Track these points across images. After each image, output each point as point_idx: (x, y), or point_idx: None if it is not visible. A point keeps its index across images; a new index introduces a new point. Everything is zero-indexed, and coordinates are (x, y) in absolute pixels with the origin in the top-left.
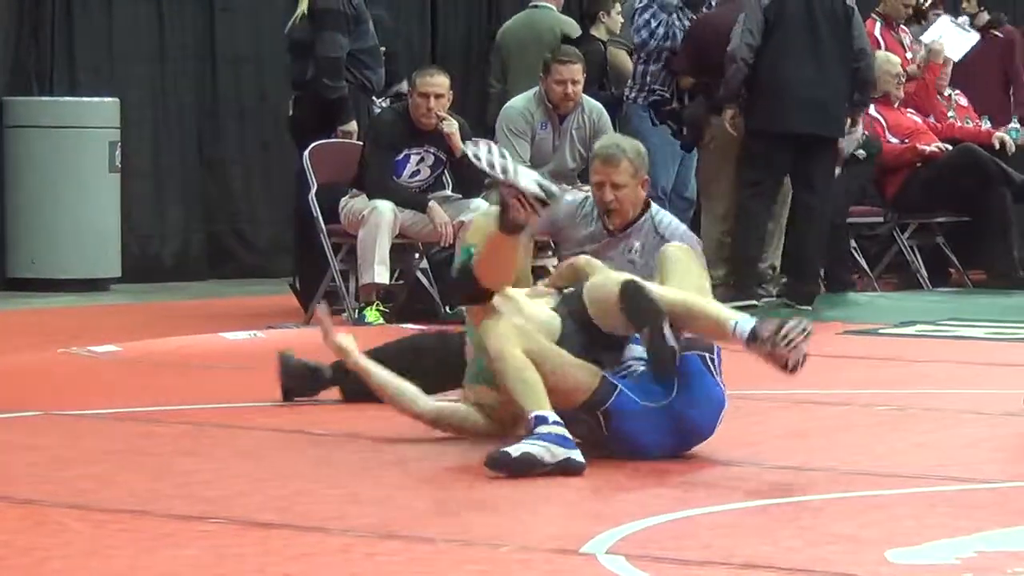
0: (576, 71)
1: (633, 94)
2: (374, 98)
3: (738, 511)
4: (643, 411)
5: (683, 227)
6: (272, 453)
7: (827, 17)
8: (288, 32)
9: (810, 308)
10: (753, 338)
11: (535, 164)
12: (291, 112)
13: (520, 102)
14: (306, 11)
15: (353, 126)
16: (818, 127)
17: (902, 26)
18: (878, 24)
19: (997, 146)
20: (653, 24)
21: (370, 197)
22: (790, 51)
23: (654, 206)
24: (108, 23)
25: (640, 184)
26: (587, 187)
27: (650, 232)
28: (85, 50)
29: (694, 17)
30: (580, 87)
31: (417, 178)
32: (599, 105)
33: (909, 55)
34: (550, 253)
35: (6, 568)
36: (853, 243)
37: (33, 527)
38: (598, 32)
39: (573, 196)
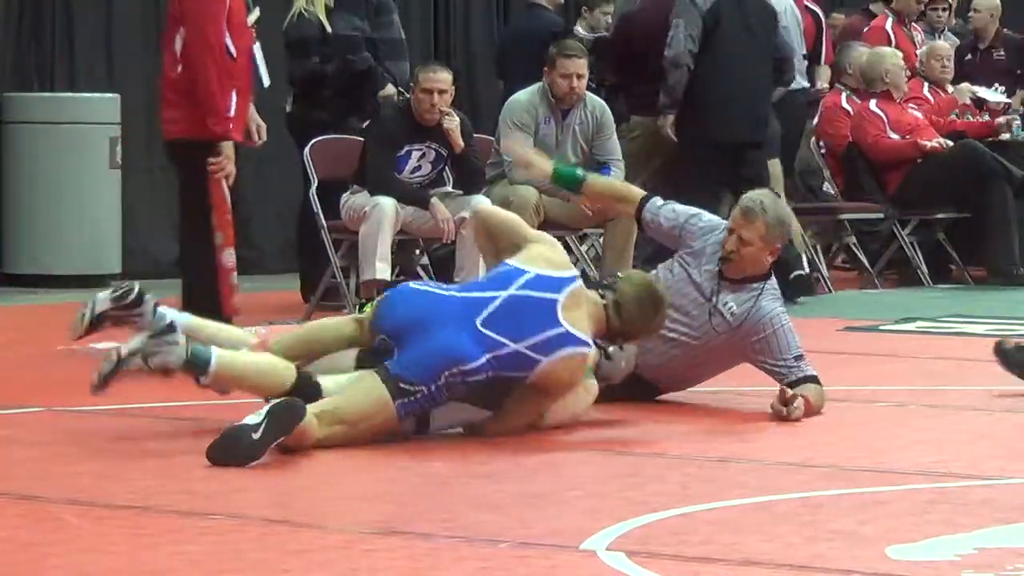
0: (581, 65)
1: None
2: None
3: (738, 507)
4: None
5: (777, 312)
6: (272, 450)
7: (758, 21)
8: (284, 29)
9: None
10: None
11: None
12: (288, 109)
13: (524, 96)
14: (304, 8)
15: (390, 89)
16: (751, 134)
17: (915, 23)
18: (890, 19)
19: (1001, 133)
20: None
21: (372, 193)
22: (728, 59)
23: (771, 281)
24: (108, 19)
25: (769, 251)
26: None
27: (750, 303)
28: (85, 46)
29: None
30: (584, 81)
31: (418, 174)
32: (601, 101)
33: (919, 52)
34: None
35: (6, 564)
36: (853, 239)
37: (33, 523)
38: (581, 26)
39: (713, 223)
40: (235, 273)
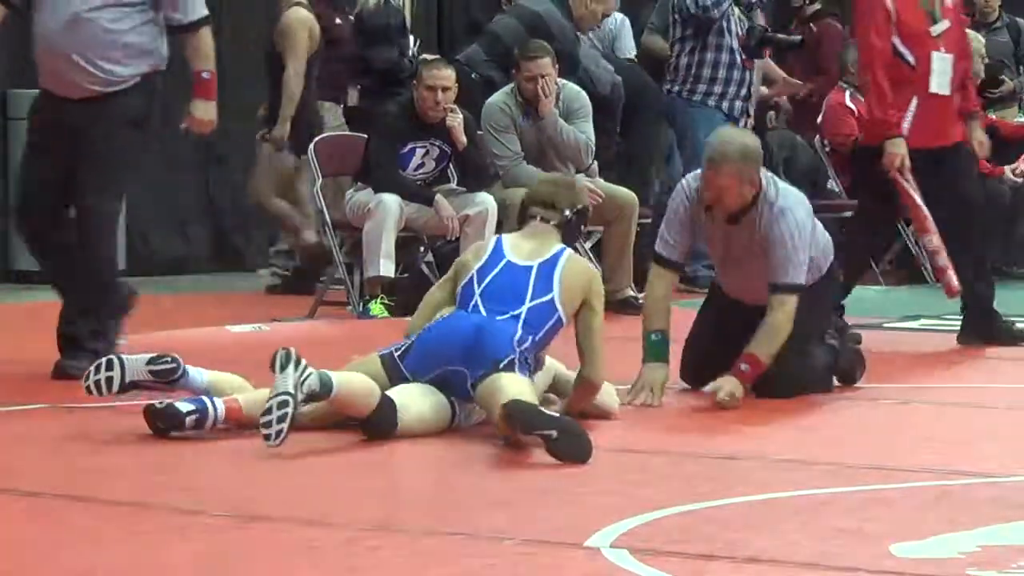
0: (545, 65)
1: (676, 87)
2: None
3: (742, 505)
4: None
5: (792, 230)
6: (276, 448)
7: None
8: (360, 15)
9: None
10: None
11: (525, 158)
12: (352, 102)
13: (499, 97)
14: None
15: None
16: None
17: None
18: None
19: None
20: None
21: (376, 190)
22: None
23: (763, 185)
24: None
25: (748, 182)
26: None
27: (765, 209)
28: None
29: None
30: (550, 79)
31: (422, 171)
32: (574, 87)
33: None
34: None
35: (10, 560)
36: None
37: (37, 519)
38: None
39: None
40: (942, 255)
